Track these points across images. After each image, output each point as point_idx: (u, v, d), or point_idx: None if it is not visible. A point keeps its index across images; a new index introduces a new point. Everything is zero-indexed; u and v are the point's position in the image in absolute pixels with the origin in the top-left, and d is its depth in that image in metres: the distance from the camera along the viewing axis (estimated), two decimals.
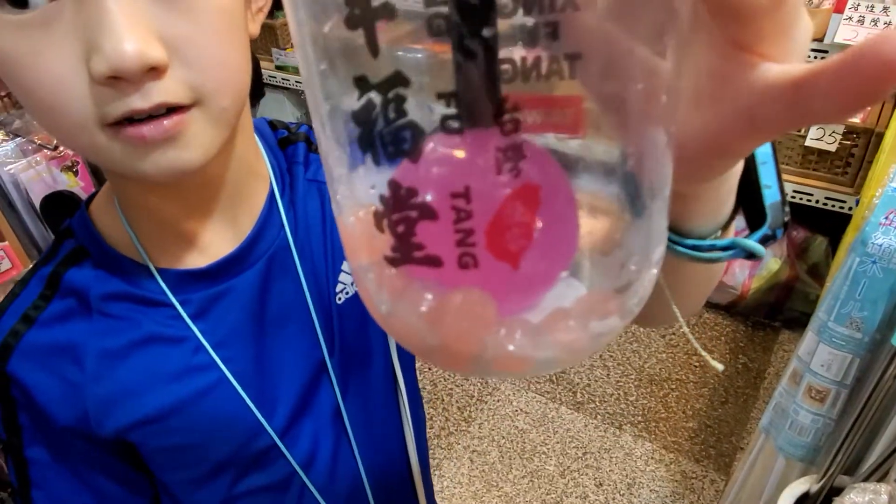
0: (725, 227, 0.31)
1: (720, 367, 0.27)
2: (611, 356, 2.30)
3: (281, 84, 2.83)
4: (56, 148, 0.88)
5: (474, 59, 0.16)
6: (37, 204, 0.89)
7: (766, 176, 0.30)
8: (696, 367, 2.25)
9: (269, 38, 2.74)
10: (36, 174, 0.87)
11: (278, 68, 2.82)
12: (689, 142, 0.21)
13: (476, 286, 0.17)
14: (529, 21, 0.16)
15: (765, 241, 0.30)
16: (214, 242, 0.52)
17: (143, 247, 0.51)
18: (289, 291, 0.55)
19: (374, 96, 0.16)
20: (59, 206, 0.91)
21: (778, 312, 2.35)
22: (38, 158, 0.88)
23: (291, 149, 0.58)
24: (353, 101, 0.17)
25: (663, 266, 0.23)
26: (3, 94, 0.91)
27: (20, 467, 0.53)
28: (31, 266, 0.54)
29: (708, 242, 0.30)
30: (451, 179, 0.17)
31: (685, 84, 0.20)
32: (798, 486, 1.22)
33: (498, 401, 2.18)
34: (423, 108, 0.17)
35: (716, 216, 0.30)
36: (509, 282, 0.18)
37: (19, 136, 0.89)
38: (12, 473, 0.54)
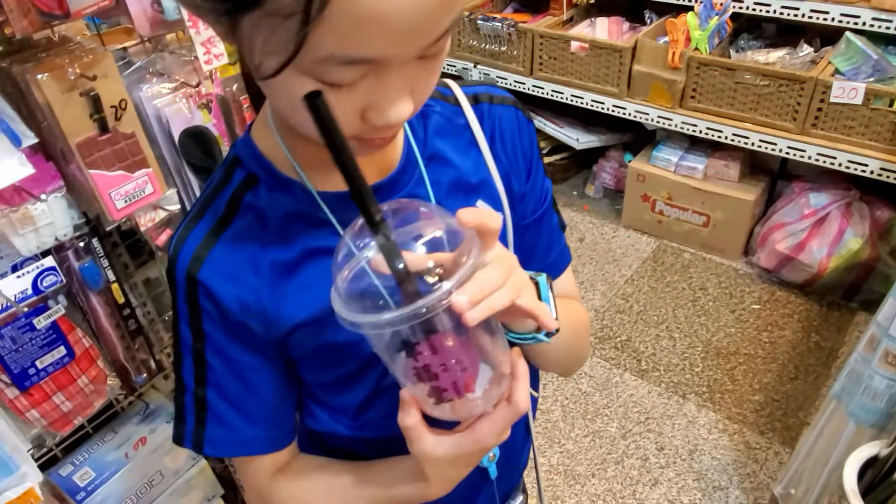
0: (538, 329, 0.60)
1: None
2: (678, 328, 2.32)
3: None
4: (196, 86, 0.99)
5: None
6: (175, 136, 1.01)
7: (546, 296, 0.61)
8: (765, 343, 2.24)
9: None
10: (177, 109, 0.98)
11: None
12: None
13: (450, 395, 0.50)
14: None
15: (549, 335, 0.60)
16: (364, 172, 0.61)
17: (303, 171, 0.59)
18: None
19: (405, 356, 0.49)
20: (192, 140, 1.02)
21: (856, 293, 2.30)
22: (180, 95, 0.99)
23: None
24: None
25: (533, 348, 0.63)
26: (145, 39, 1.02)
27: (200, 368, 0.61)
28: (206, 190, 0.62)
29: (521, 335, 0.60)
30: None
31: None
32: (866, 450, 1.24)
33: None
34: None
35: (527, 328, 0.59)
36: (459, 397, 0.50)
37: (164, 74, 1.00)
38: (190, 372, 0.61)
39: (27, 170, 0.80)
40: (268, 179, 0.59)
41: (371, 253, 0.47)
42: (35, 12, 0.77)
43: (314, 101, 0.42)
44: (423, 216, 0.49)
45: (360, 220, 0.47)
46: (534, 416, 0.79)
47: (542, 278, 0.59)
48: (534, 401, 0.78)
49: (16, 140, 0.83)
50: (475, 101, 0.67)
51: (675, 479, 1.87)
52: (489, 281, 0.46)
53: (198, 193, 1.06)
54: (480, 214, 0.48)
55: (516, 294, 0.49)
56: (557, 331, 0.61)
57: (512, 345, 0.64)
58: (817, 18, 2.11)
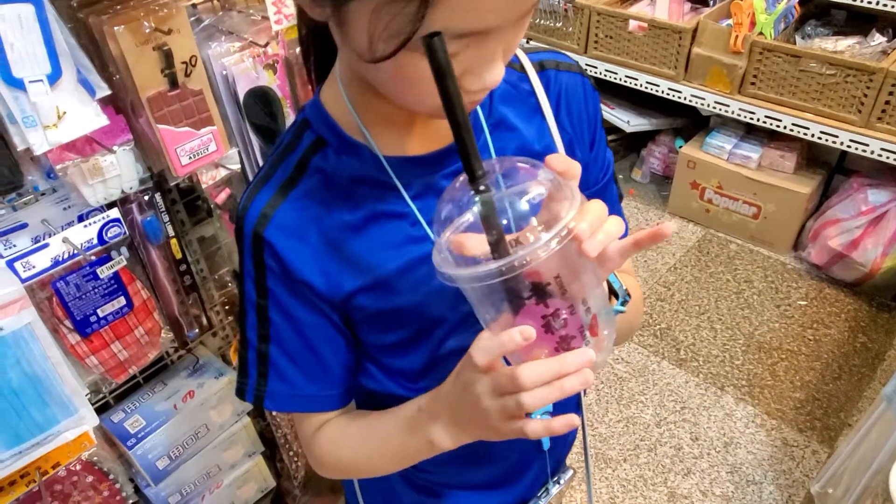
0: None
1: None
2: (720, 319, 2.28)
3: None
4: (265, 46, 0.98)
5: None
6: (240, 96, 1.01)
7: (612, 277, 0.59)
8: (810, 340, 2.19)
9: None
10: (244, 68, 0.99)
11: None
12: None
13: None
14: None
15: (623, 304, 0.60)
16: (428, 137, 0.60)
17: (370, 136, 0.59)
18: None
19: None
20: (257, 100, 1.02)
21: None
22: (247, 55, 0.99)
23: None
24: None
25: None
26: None
27: (263, 325, 0.62)
28: (276, 151, 0.62)
29: None
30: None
31: None
32: None
33: None
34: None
35: None
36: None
37: (232, 32, 1.00)
38: (253, 328, 0.62)
39: (102, 120, 0.82)
40: (335, 143, 0.59)
41: (475, 209, 0.45)
42: None
43: (431, 42, 0.41)
44: (522, 172, 0.48)
45: (462, 178, 0.46)
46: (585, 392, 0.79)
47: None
48: None
49: (91, 91, 0.84)
50: (541, 68, 0.66)
51: (709, 471, 1.86)
52: (598, 212, 0.46)
53: (258, 154, 1.07)
54: (567, 160, 0.48)
55: (622, 225, 0.48)
56: (629, 297, 0.61)
57: None
58: (891, 7, 2.01)
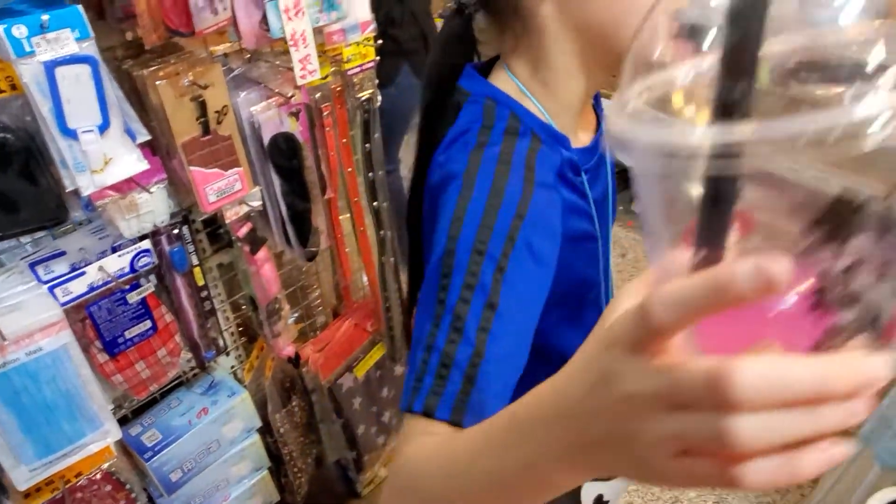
0: None
1: None
2: None
3: None
4: (290, 97, 1.08)
5: None
6: (265, 140, 1.10)
7: None
8: None
9: None
10: (269, 116, 1.08)
11: None
12: None
13: None
14: None
15: None
16: (584, 126, 0.72)
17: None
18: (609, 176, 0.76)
19: None
20: (281, 145, 1.11)
21: None
22: (272, 103, 1.08)
23: None
24: None
25: None
26: (243, 48, 1.12)
27: (495, 290, 0.53)
28: (499, 143, 0.62)
29: None
30: None
31: None
32: (888, 493, 1.27)
33: None
34: None
35: None
36: None
37: (260, 83, 1.10)
38: (484, 295, 0.53)
39: (143, 165, 0.90)
40: (546, 138, 0.64)
41: None
42: (163, 28, 0.87)
43: None
44: None
45: None
46: None
47: None
48: None
49: (133, 137, 0.93)
50: None
51: (696, 500, 1.92)
52: None
53: (279, 192, 1.15)
54: None
55: None
56: None
57: None
58: None
